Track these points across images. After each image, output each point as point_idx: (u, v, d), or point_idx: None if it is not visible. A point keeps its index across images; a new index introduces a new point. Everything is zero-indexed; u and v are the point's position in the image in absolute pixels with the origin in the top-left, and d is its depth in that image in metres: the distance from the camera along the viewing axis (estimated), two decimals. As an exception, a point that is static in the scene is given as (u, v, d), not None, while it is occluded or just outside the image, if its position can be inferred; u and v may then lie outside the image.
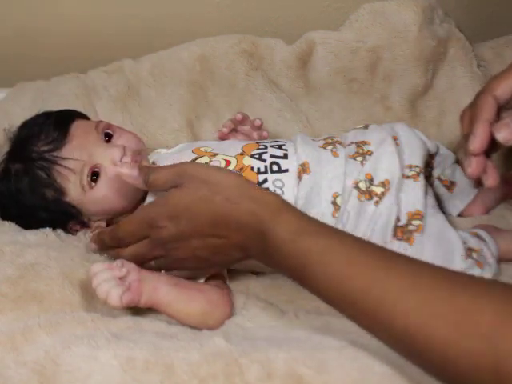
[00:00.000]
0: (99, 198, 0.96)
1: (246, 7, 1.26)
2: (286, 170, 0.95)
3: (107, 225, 1.01)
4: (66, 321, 0.83)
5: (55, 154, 0.95)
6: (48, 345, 0.77)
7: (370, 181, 0.93)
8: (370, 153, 0.96)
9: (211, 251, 0.77)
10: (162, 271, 0.88)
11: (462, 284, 0.47)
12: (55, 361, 0.74)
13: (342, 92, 1.20)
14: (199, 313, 0.84)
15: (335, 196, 0.92)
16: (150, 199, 0.99)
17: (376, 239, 0.88)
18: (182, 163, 0.82)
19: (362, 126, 1.04)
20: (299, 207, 0.91)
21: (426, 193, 0.93)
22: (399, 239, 0.88)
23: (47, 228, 0.98)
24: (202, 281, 0.88)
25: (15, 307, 0.85)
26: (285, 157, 0.97)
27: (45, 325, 0.81)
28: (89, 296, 0.90)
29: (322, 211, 0.92)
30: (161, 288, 0.83)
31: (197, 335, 0.81)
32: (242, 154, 0.98)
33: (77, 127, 0.99)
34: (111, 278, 0.79)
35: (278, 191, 0.93)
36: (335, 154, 0.97)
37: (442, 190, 1.07)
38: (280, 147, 0.99)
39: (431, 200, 0.93)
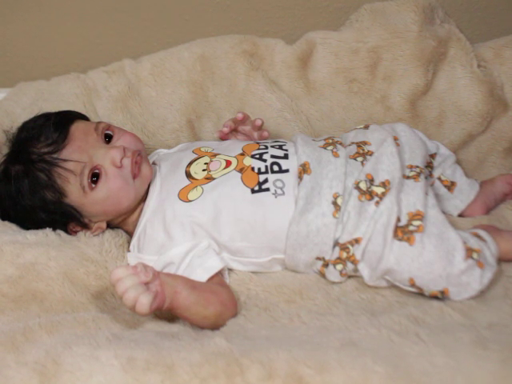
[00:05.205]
0: (100, 198, 0.95)
1: (246, 7, 1.26)
2: (287, 170, 0.95)
3: (108, 226, 1.01)
4: (67, 321, 0.83)
5: (55, 155, 0.95)
6: (49, 345, 0.77)
7: (371, 181, 0.93)
8: (370, 153, 0.96)
9: None
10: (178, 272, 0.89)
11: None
12: (56, 361, 0.74)
13: (342, 92, 1.20)
14: (214, 315, 0.85)
15: (336, 196, 0.92)
16: (150, 199, 0.99)
17: (376, 239, 0.88)
18: None
19: (362, 126, 1.04)
20: (300, 207, 0.92)
21: (426, 193, 0.93)
22: (399, 239, 0.88)
23: (47, 228, 0.98)
24: (204, 280, 0.89)
25: (16, 307, 0.85)
26: (285, 157, 0.97)
27: (45, 325, 0.81)
28: (89, 295, 0.90)
29: (322, 211, 0.92)
30: (181, 292, 0.83)
31: (198, 335, 0.81)
32: (242, 154, 0.98)
33: (76, 128, 0.98)
34: (138, 284, 0.78)
35: (279, 191, 0.93)
36: (336, 155, 0.97)
37: (442, 190, 1.07)
38: (280, 147, 0.99)
39: (432, 200, 0.93)
